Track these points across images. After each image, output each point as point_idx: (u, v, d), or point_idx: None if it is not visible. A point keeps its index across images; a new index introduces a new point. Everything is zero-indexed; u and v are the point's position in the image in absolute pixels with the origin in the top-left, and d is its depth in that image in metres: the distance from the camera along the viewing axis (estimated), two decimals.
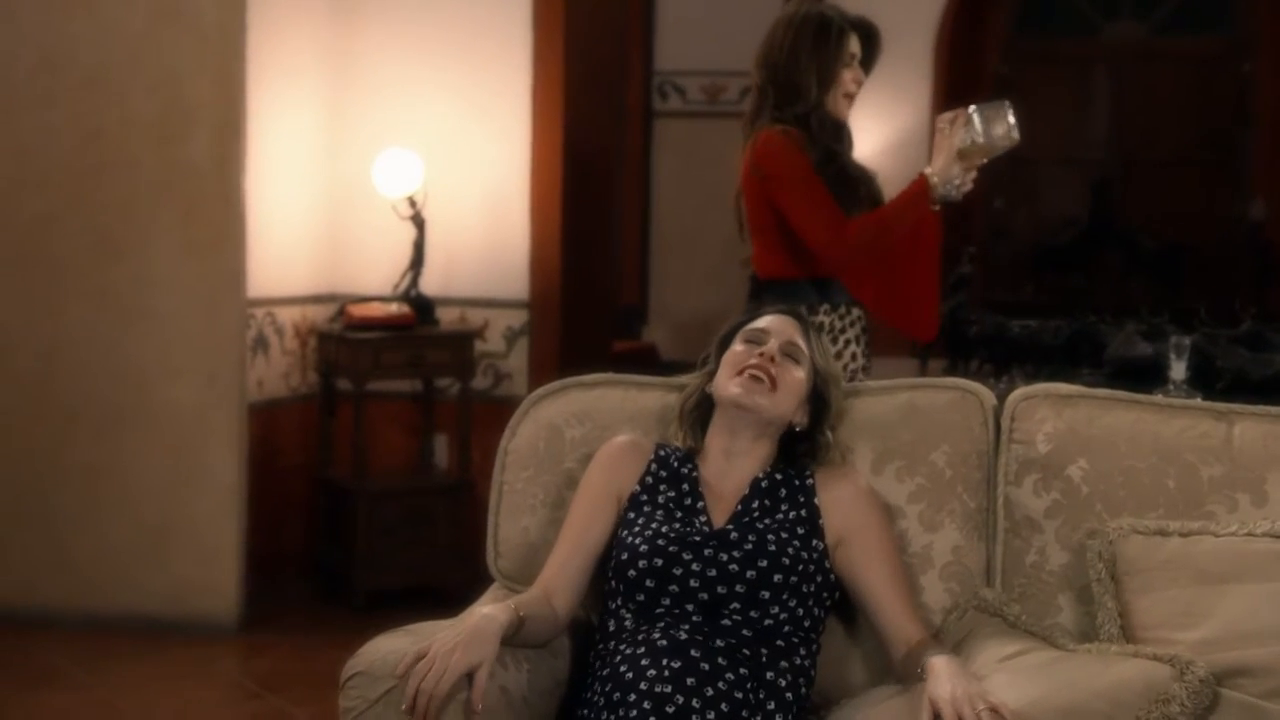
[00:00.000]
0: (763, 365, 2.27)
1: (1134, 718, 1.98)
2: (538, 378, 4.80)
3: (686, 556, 2.18)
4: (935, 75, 8.44)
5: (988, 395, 2.44)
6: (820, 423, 2.34)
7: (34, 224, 4.66)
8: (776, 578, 2.16)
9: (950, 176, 3.33)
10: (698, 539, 2.20)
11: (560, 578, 2.28)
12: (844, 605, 2.32)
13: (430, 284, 5.19)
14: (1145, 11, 8.72)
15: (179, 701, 4.11)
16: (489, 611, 2.12)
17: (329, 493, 5.18)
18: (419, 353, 5.08)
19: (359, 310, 5.06)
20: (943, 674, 2.01)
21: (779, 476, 2.30)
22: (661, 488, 2.31)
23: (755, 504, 2.27)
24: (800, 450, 2.34)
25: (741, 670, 2.08)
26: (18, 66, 4.65)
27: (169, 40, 4.59)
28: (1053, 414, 2.37)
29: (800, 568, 2.18)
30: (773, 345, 2.30)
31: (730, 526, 2.24)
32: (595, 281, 5.69)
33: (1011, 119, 3.28)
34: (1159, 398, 2.52)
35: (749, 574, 2.16)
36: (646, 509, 2.28)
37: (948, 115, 3.35)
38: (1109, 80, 8.89)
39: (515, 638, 2.14)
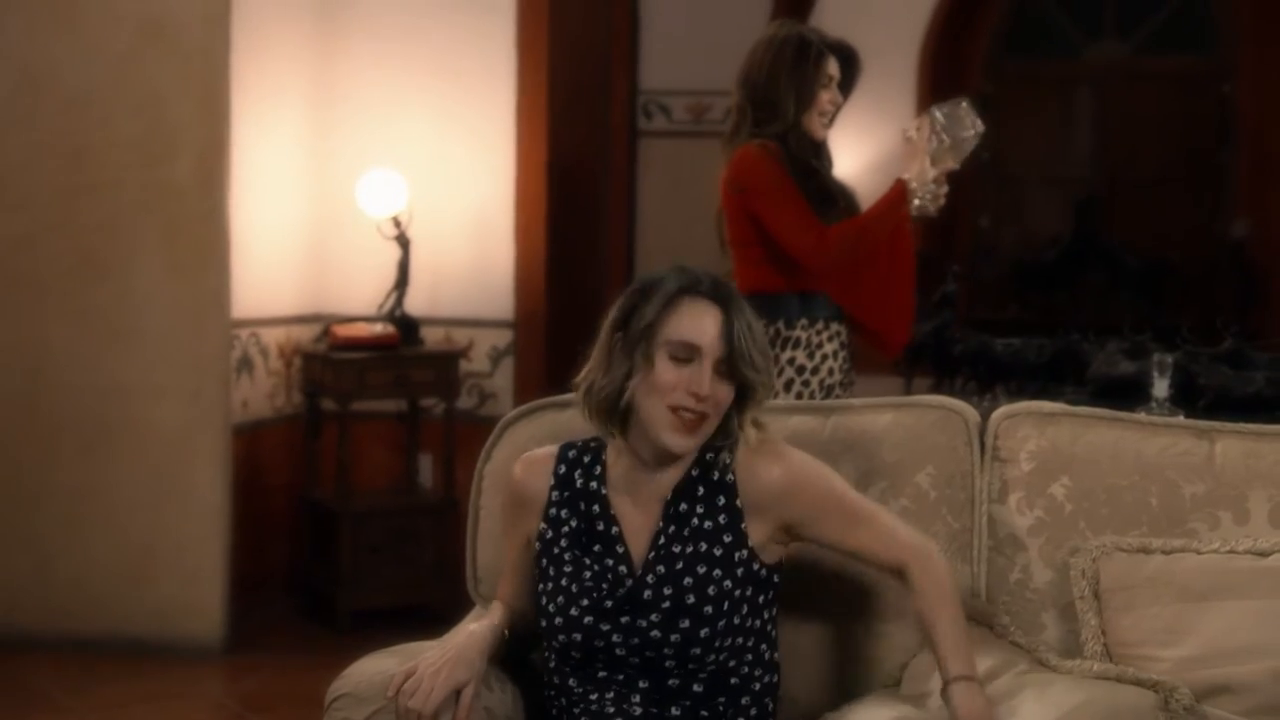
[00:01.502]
0: (696, 410, 2.05)
1: None
2: (523, 397, 4.80)
3: (604, 627, 2.05)
4: (919, 95, 8.48)
5: (972, 414, 2.43)
6: (742, 402, 2.11)
7: (17, 244, 4.65)
8: (703, 632, 2.03)
9: (926, 181, 3.35)
10: (610, 604, 2.05)
11: (519, 598, 2.22)
12: (805, 610, 2.26)
13: (415, 304, 5.19)
14: (1128, 32, 8.77)
15: None
16: (474, 629, 2.13)
17: (314, 513, 5.17)
18: (404, 373, 5.08)
19: (344, 330, 5.06)
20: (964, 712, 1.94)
21: (695, 473, 2.10)
22: (567, 518, 2.13)
23: (671, 529, 2.08)
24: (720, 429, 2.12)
25: None
26: (1, 87, 4.65)
27: (153, 61, 4.59)
28: (1036, 432, 2.38)
29: (726, 605, 2.04)
30: (704, 377, 2.05)
31: (644, 571, 2.06)
32: (580, 301, 5.69)
33: (973, 114, 3.31)
34: (1141, 416, 2.53)
35: (673, 638, 2.03)
36: (556, 555, 2.12)
37: (912, 124, 3.39)
38: (1092, 100, 8.94)
39: (504, 649, 2.16)
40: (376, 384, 5.03)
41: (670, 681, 2.06)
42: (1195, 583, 2.18)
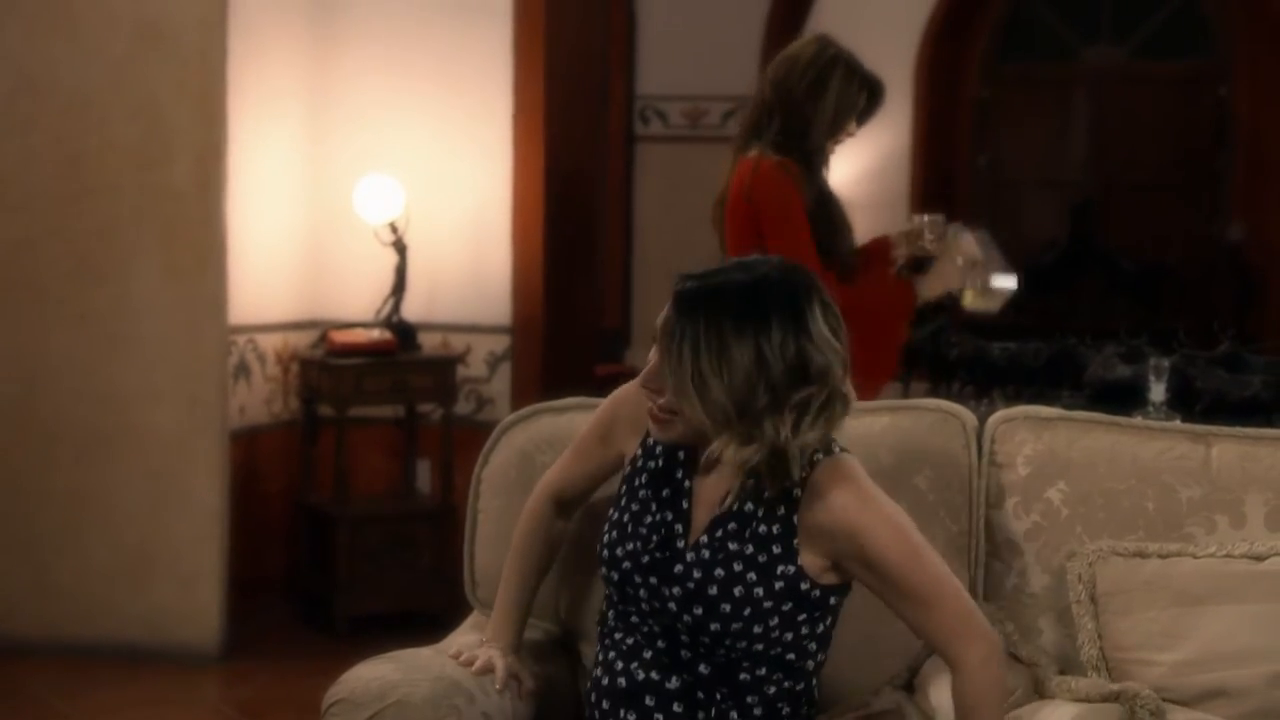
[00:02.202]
0: (652, 411, 2.01)
1: None
2: (520, 402, 4.80)
3: (637, 579, 2.05)
4: (916, 99, 8.50)
5: (969, 417, 2.43)
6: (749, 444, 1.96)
7: (14, 249, 4.65)
8: (714, 626, 1.99)
9: (933, 297, 3.39)
10: (647, 560, 2.04)
11: (565, 492, 2.28)
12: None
13: (412, 309, 5.19)
14: (1124, 35, 8.78)
15: None
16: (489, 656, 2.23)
17: (311, 518, 5.16)
18: (401, 378, 5.08)
19: (341, 336, 5.06)
20: None
21: (769, 471, 1.99)
22: (656, 452, 2.09)
23: (730, 523, 2.02)
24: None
25: (698, 714, 2.04)
26: None
27: (150, 65, 4.59)
28: (1032, 436, 2.38)
29: (748, 610, 1.98)
30: (650, 372, 2.01)
31: (688, 553, 2.03)
32: (578, 306, 5.70)
33: (1004, 296, 3.36)
34: (1138, 420, 2.53)
35: (685, 618, 2.02)
36: (635, 484, 2.11)
37: (961, 240, 3.38)
38: (1088, 103, 8.95)
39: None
40: (374, 390, 5.03)
41: (683, 653, 2.06)
42: (1192, 587, 2.18)
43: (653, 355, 2.00)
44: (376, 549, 5.00)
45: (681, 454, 2.09)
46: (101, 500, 4.63)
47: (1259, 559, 2.19)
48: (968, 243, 3.47)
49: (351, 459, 5.06)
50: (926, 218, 3.55)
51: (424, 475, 5.33)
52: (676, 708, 2.05)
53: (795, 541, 2.00)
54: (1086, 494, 2.32)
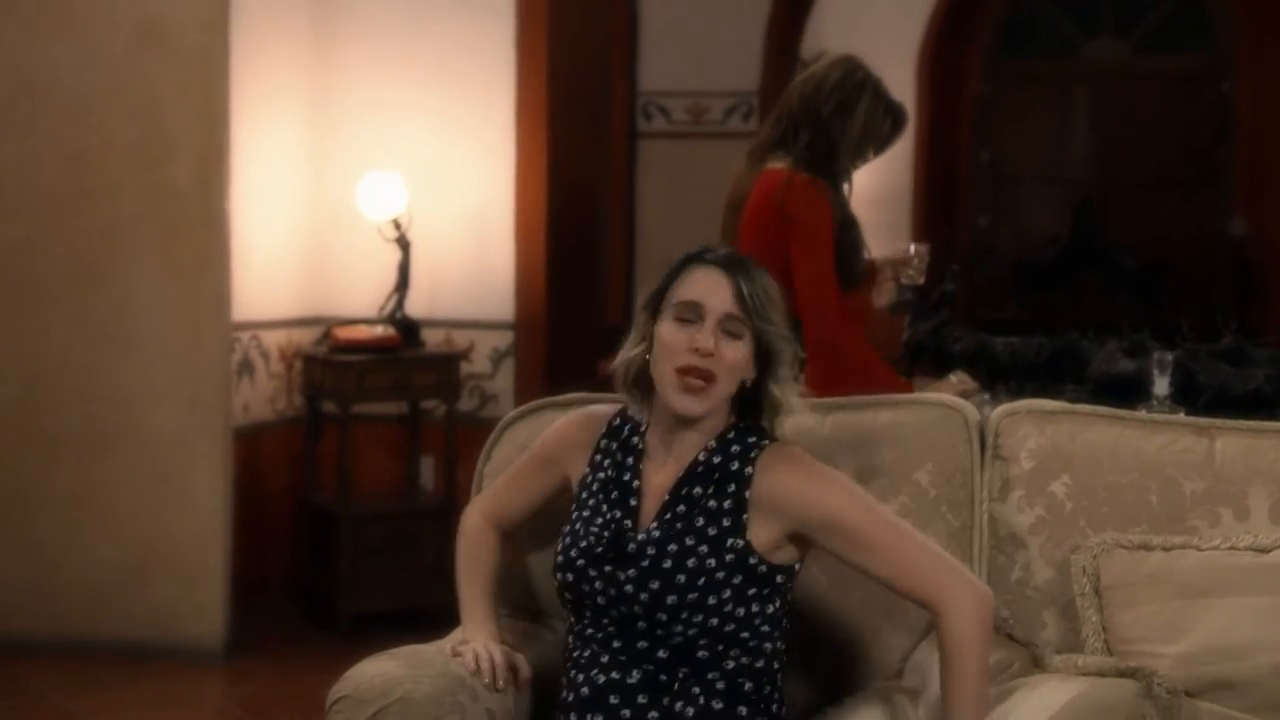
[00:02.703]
0: (700, 367, 2.08)
1: None
2: (524, 399, 4.78)
3: (592, 573, 2.10)
4: (918, 96, 8.49)
5: (971, 411, 2.43)
6: (764, 378, 2.14)
7: (15, 249, 4.65)
8: (670, 599, 2.05)
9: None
10: (601, 549, 2.10)
11: (504, 511, 2.35)
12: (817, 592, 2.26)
13: (415, 306, 5.19)
14: (1125, 31, 8.78)
15: None
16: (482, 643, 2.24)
17: (314, 516, 5.16)
18: (404, 375, 5.08)
19: (344, 333, 5.06)
20: None
21: (718, 459, 2.12)
22: (605, 464, 2.19)
23: (683, 495, 2.11)
24: (755, 405, 2.16)
25: (664, 701, 2.06)
26: None
27: (151, 64, 4.59)
28: (1036, 430, 2.38)
29: (702, 580, 2.05)
30: (709, 328, 2.08)
31: (640, 534, 2.11)
32: (581, 302, 5.70)
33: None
34: (1141, 414, 2.54)
35: (642, 596, 2.06)
36: (585, 499, 2.19)
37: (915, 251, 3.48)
38: (1090, 100, 8.94)
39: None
40: (377, 386, 5.03)
41: (640, 644, 2.09)
42: (1196, 579, 2.18)
43: (708, 295, 2.10)
44: (380, 546, 5.00)
45: (630, 459, 2.18)
46: (104, 499, 4.63)
47: (1263, 551, 2.20)
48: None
49: (355, 456, 5.06)
50: (914, 247, 3.56)
51: (427, 472, 5.33)
52: (641, 699, 2.06)
53: (745, 516, 2.09)
54: (1090, 487, 2.32)
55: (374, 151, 5.24)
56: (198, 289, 4.61)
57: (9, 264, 4.66)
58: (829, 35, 7.60)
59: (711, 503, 2.10)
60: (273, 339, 5.12)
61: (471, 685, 2.15)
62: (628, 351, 2.18)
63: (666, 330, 2.11)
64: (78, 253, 4.63)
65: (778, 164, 3.41)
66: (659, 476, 2.16)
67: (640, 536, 2.11)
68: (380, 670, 2.13)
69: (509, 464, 2.46)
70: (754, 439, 2.14)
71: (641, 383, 2.17)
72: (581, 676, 2.11)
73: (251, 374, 5.01)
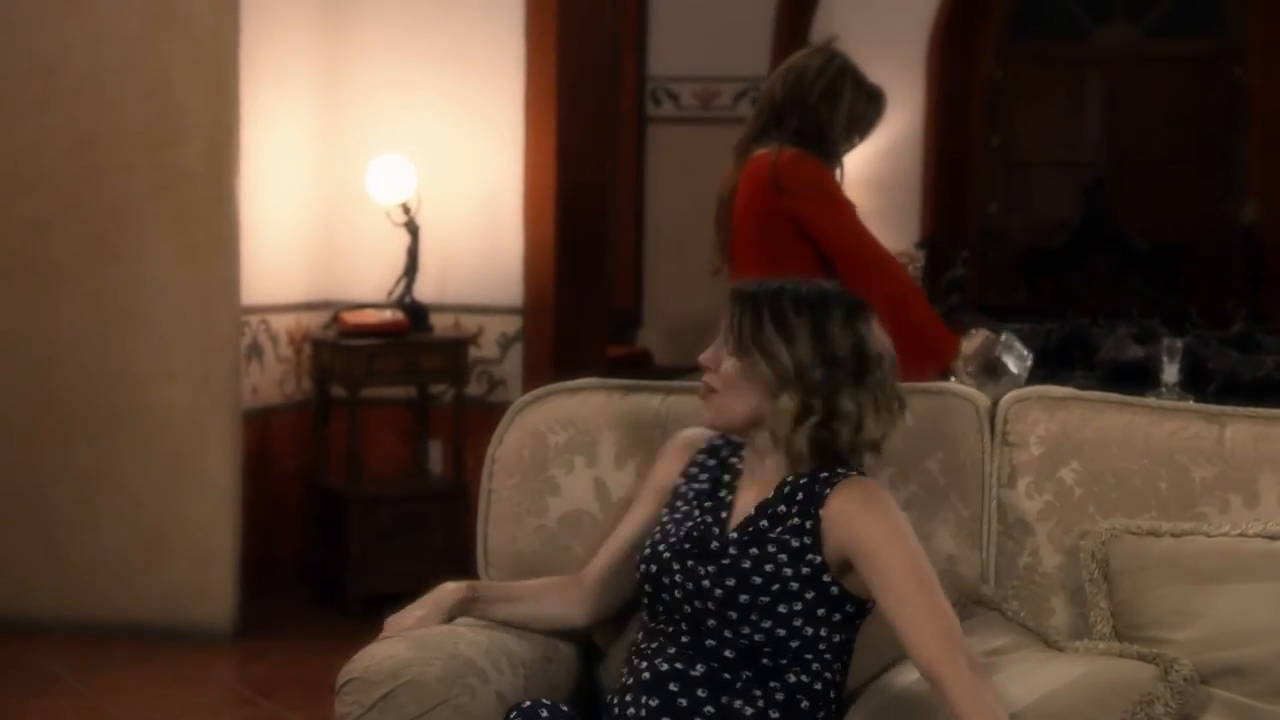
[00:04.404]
0: (704, 380, 2.17)
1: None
2: (532, 384, 4.77)
3: (675, 566, 2.14)
4: (929, 79, 8.47)
5: (982, 400, 2.43)
6: (810, 406, 2.11)
7: (27, 229, 4.66)
8: (743, 598, 2.08)
9: (960, 361, 3.30)
10: (688, 546, 2.16)
11: (593, 571, 2.33)
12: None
13: (424, 290, 5.19)
14: (1137, 15, 8.74)
15: (174, 708, 4.10)
16: (445, 585, 2.30)
17: (324, 499, 5.18)
18: (413, 359, 5.08)
19: (353, 317, 5.06)
20: None
21: (804, 481, 2.14)
22: (699, 480, 2.25)
23: (770, 511, 2.15)
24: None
25: (723, 699, 2.06)
26: (11, 71, 4.65)
27: (163, 45, 4.59)
28: (1045, 416, 2.38)
29: (776, 586, 2.08)
30: (710, 349, 2.16)
31: (731, 531, 2.17)
32: (589, 287, 5.69)
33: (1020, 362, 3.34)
34: (1151, 400, 2.53)
35: (717, 592, 2.09)
36: (677, 505, 2.25)
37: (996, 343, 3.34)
38: (1101, 83, 8.92)
39: (475, 611, 2.28)
40: (386, 370, 5.03)
41: (708, 641, 2.11)
42: (1205, 565, 2.18)
43: (722, 319, 2.17)
44: (389, 529, 5.01)
45: (727, 476, 2.23)
46: (115, 480, 4.65)
47: (1273, 538, 2.20)
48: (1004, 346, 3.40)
49: (364, 440, 5.07)
50: (987, 334, 3.43)
51: (436, 456, 5.34)
52: (700, 692, 2.07)
53: (820, 534, 2.11)
54: (1099, 473, 2.32)
55: (383, 135, 5.24)
56: (208, 271, 4.62)
57: (21, 243, 4.67)
58: (839, 20, 7.58)
59: (794, 520, 2.13)
60: (281, 323, 5.13)
61: (482, 668, 2.15)
62: None
63: None
64: (89, 232, 4.64)
65: (764, 149, 3.37)
66: (749, 494, 2.20)
67: (728, 537, 2.17)
68: (390, 652, 2.14)
69: (520, 449, 2.46)
70: (841, 470, 2.14)
71: None
72: (645, 663, 2.12)
73: (260, 358, 5.01)
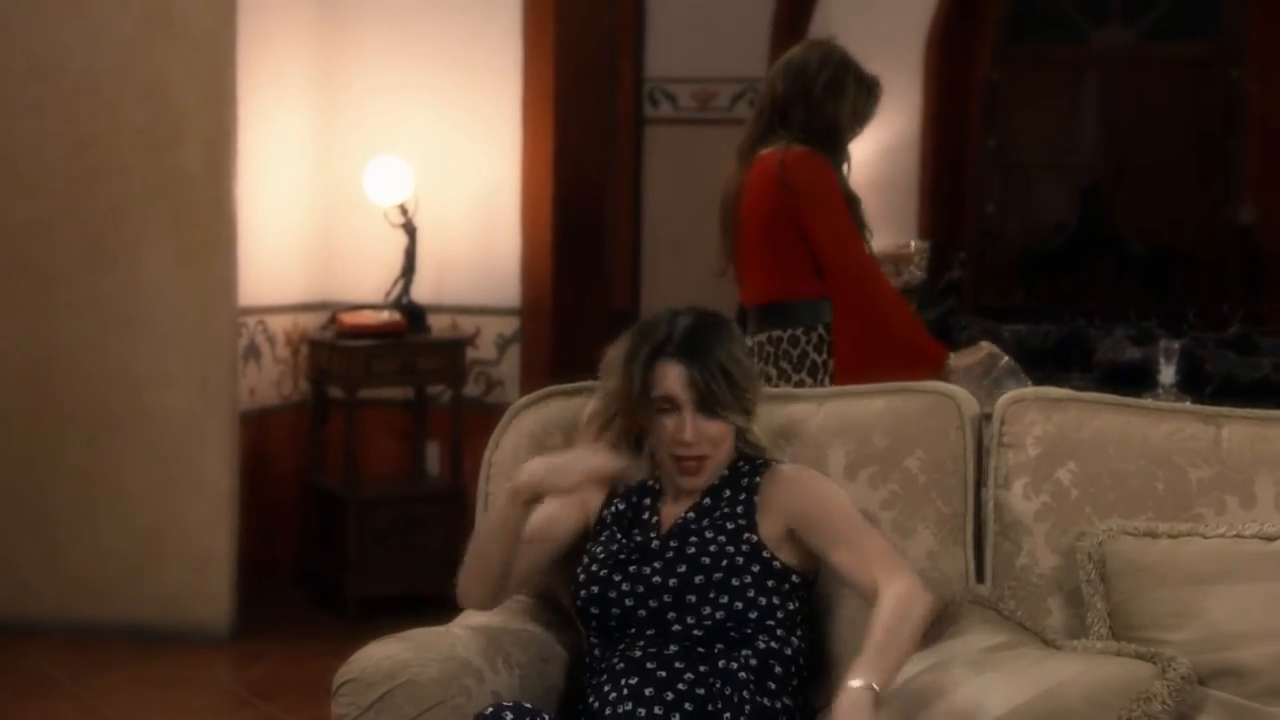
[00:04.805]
0: (690, 456, 2.26)
1: (1115, 718, 1.99)
2: (529, 384, 4.80)
3: (616, 578, 2.23)
4: (926, 81, 8.46)
5: (966, 399, 2.44)
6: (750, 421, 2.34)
7: (25, 231, 4.66)
8: (698, 579, 2.19)
9: (954, 372, 3.28)
10: (624, 556, 2.25)
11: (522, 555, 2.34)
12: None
13: (421, 291, 5.20)
14: (1134, 18, 8.75)
15: (171, 709, 4.10)
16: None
17: (321, 500, 5.18)
18: (410, 360, 5.08)
19: (350, 318, 5.06)
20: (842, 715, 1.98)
21: (728, 474, 2.31)
22: (620, 505, 2.34)
23: (693, 513, 2.28)
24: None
25: (701, 667, 2.10)
26: (8, 73, 4.65)
27: (160, 47, 4.59)
28: (1042, 417, 2.38)
29: (725, 563, 2.20)
30: (687, 419, 2.25)
31: (664, 535, 2.27)
32: (586, 288, 5.70)
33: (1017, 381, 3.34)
34: (1148, 401, 2.53)
35: (670, 582, 2.20)
36: (599, 532, 2.33)
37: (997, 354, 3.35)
38: (1099, 86, 8.91)
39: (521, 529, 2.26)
40: (383, 371, 5.03)
41: (674, 628, 2.19)
42: (1201, 567, 2.18)
43: (678, 424, 2.26)
44: (386, 531, 5.01)
45: (647, 499, 2.33)
46: (113, 482, 4.65)
47: (1269, 539, 2.20)
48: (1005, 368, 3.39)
49: (361, 441, 5.07)
50: (915, 243, 3.53)
51: (433, 457, 5.34)
52: (678, 664, 2.10)
53: (755, 516, 2.26)
54: (1096, 475, 2.33)
55: (381, 136, 5.24)
56: (206, 272, 4.62)
57: (19, 245, 4.67)
58: (837, 21, 7.58)
59: (725, 508, 2.28)
60: (279, 324, 5.13)
61: (479, 668, 2.16)
62: (606, 405, 2.34)
63: (658, 424, 2.28)
64: (87, 235, 4.64)
65: (771, 147, 3.37)
66: (673, 509, 2.32)
67: (663, 540, 2.26)
68: (387, 653, 2.14)
69: (518, 452, 2.47)
70: (760, 462, 2.33)
71: (637, 440, 2.34)
72: (617, 660, 2.14)
73: (258, 359, 5.01)
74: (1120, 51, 8.82)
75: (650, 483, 2.35)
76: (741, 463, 2.32)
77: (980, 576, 2.36)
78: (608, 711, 2.05)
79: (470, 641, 2.21)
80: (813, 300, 3.36)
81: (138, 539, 4.65)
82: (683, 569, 2.20)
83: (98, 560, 4.65)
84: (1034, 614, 2.30)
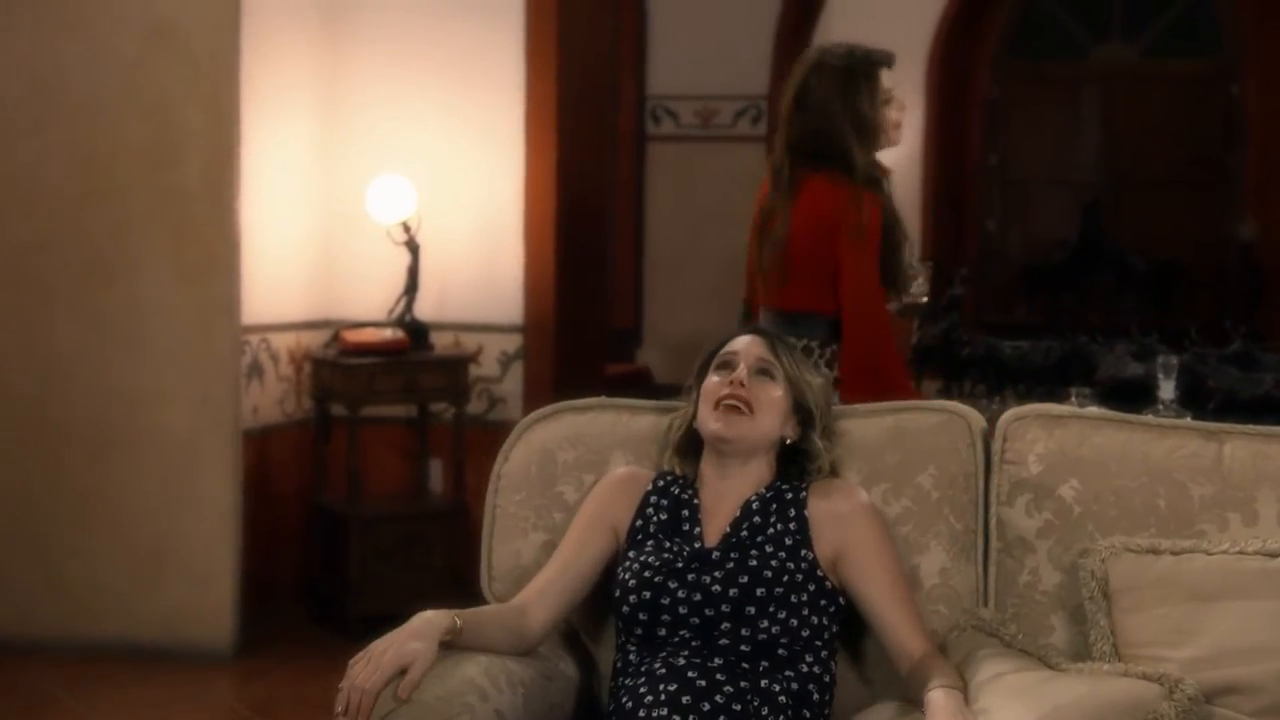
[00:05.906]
0: (736, 394, 2.29)
1: None
2: (532, 402, 4.80)
3: (672, 584, 2.21)
4: (927, 97, 8.49)
5: (976, 417, 2.45)
6: (808, 432, 2.36)
7: (26, 250, 4.67)
8: (759, 592, 2.19)
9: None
10: (680, 564, 2.23)
11: (540, 596, 2.32)
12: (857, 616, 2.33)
13: (424, 309, 5.20)
14: (1134, 34, 8.77)
15: None
16: (428, 615, 2.18)
17: (323, 518, 5.17)
18: (413, 378, 5.08)
19: (353, 336, 5.07)
20: (940, 712, 2.04)
21: (770, 494, 2.31)
22: (658, 516, 2.33)
23: (745, 524, 2.29)
24: (798, 462, 2.36)
25: (742, 683, 2.11)
26: (10, 92, 4.66)
27: (161, 66, 4.60)
28: (1044, 434, 2.38)
29: (786, 578, 2.21)
30: (743, 370, 2.31)
31: (716, 547, 2.27)
32: (589, 305, 5.70)
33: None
34: (1149, 418, 2.53)
35: (731, 592, 2.19)
36: (641, 541, 2.32)
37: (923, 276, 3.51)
38: (1099, 102, 8.94)
39: (458, 641, 2.18)
40: (386, 389, 5.03)
41: (721, 642, 2.18)
42: (1204, 583, 2.18)
43: (742, 347, 2.35)
44: (389, 549, 5.01)
45: (685, 511, 2.32)
46: (114, 500, 4.65)
47: (1272, 556, 2.20)
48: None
49: (364, 458, 5.06)
50: (916, 264, 3.56)
51: (436, 475, 5.33)
52: (719, 676, 2.12)
53: (810, 532, 2.28)
54: (1098, 492, 2.33)
55: (383, 154, 5.25)
56: (208, 290, 4.62)
57: (20, 264, 4.67)
58: (838, 38, 7.59)
59: (776, 525, 2.29)
60: (282, 342, 5.13)
61: (481, 686, 2.15)
62: (677, 419, 2.41)
63: (707, 383, 2.34)
64: (88, 253, 4.64)
65: (841, 177, 3.39)
66: (716, 521, 2.31)
67: (724, 545, 2.27)
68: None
69: (527, 466, 2.47)
70: (800, 482, 2.34)
71: (689, 444, 2.38)
72: (659, 665, 2.15)
73: (261, 377, 5.01)
74: (1121, 68, 8.85)
75: (688, 495, 2.34)
76: (780, 482, 2.33)
77: (979, 591, 2.36)
78: (641, 714, 2.06)
79: (473, 659, 2.21)
80: (834, 317, 3.41)
81: (139, 557, 4.64)
82: (744, 580, 2.20)
83: (99, 578, 4.65)
84: (1037, 631, 2.30)
